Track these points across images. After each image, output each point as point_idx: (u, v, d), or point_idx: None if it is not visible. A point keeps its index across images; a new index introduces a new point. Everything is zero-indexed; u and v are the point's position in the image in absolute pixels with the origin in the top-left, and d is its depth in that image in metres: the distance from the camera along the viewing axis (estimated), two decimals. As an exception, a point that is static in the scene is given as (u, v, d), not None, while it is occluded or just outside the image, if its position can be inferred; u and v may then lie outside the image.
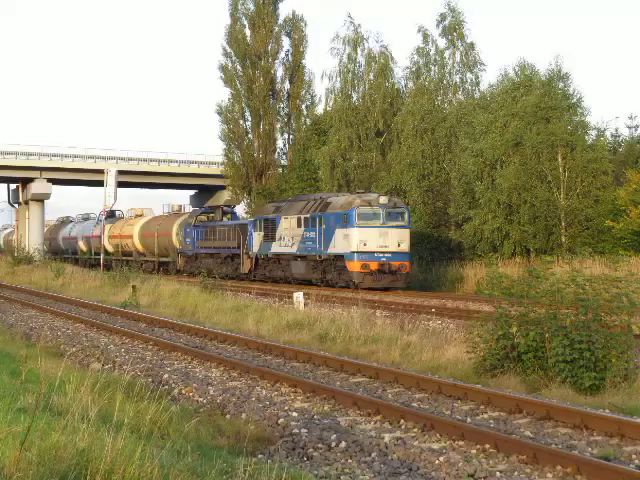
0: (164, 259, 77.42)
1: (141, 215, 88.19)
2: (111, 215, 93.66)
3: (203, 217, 71.77)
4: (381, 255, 47.89)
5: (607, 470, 11.98)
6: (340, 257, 49.35)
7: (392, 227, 49.25)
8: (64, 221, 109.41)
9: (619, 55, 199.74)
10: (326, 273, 50.81)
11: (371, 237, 48.09)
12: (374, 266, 47.28)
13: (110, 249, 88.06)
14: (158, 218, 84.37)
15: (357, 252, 47.76)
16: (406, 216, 50.94)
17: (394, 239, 48.87)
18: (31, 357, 19.65)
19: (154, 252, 79.28)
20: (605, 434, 14.37)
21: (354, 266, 47.52)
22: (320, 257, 51.10)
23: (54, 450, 8.01)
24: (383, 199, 50.50)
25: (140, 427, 9.94)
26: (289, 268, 55.13)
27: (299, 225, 54.02)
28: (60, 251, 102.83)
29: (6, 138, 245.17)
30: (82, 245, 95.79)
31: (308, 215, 53.29)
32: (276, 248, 56.64)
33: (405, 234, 49.89)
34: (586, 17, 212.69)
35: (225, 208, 73.84)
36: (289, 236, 54.96)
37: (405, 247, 49.45)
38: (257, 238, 59.52)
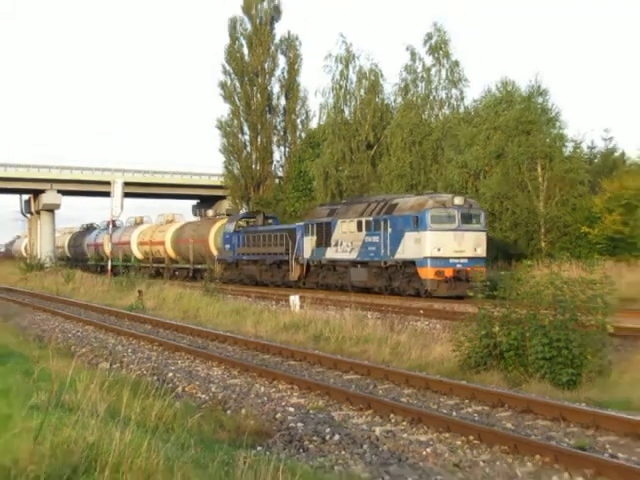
0: (199, 266, 71.54)
1: (172, 221, 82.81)
2: (114, 224, 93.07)
3: (242, 222, 65.99)
4: (456, 261, 42.51)
5: (583, 459, 12.03)
6: (410, 263, 43.87)
7: (468, 230, 43.67)
8: (89, 228, 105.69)
9: (596, 71, 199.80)
10: (392, 280, 45.95)
11: (446, 241, 42.63)
12: (449, 273, 41.91)
13: (139, 256, 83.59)
14: (192, 224, 79.83)
15: (431, 257, 42.34)
16: (482, 218, 45.45)
17: (470, 243, 43.44)
18: (43, 357, 19.62)
19: (189, 259, 73.61)
20: (581, 426, 14.42)
21: (427, 273, 42.23)
22: (385, 263, 45.62)
23: (65, 444, 8.02)
24: (458, 200, 44.63)
25: (146, 422, 9.95)
26: (347, 275, 49.77)
27: (359, 229, 48.38)
28: (84, 258, 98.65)
29: (17, 151, 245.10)
30: (108, 251, 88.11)
31: (370, 218, 47.55)
32: (331, 254, 51.27)
33: (482, 238, 44.39)
34: (566, 34, 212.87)
35: (267, 214, 68.38)
36: (347, 241, 49.38)
37: (482, 252, 43.96)
38: (309, 243, 53.85)
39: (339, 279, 50.43)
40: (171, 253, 77.06)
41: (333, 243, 50.80)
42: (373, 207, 48.07)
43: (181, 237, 75.45)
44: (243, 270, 63.55)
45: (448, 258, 42.31)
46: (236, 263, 64.24)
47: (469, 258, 42.64)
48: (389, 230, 45.35)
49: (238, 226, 64.66)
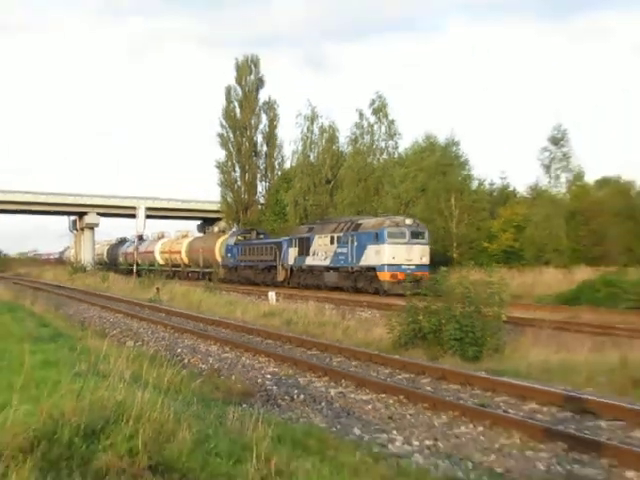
0: (207, 270, 71.38)
1: (186, 236, 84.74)
2: (140, 238, 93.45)
3: (240, 237, 66.63)
4: (407, 267, 42.60)
5: (483, 414, 12.11)
6: (371, 269, 43.96)
7: (416, 244, 43.71)
8: (122, 241, 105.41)
9: (496, 128, 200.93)
10: (357, 282, 46.22)
11: (399, 252, 42.89)
12: (401, 276, 41.95)
13: (161, 262, 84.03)
14: (201, 238, 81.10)
15: (387, 264, 42.65)
16: (426, 235, 45.09)
17: (417, 254, 43.40)
18: (84, 337, 19.54)
19: (199, 264, 74.20)
20: (482, 389, 14.47)
21: (385, 276, 42.49)
22: (352, 268, 45.84)
23: (100, 402, 8.00)
24: (408, 221, 45.14)
25: (160, 385, 9.90)
26: (322, 277, 49.91)
27: (332, 242, 48.50)
28: (118, 263, 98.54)
29: (61, 181, 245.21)
30: (137, 258, 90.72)
31: (341, 234, 47.72)
32: (310, 261, 51.35)
33: (426, 250, 44.23)
34: (474, 99, 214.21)
35: (259, 230, 69.12)
36: (322, 251, 49.62)
37: (426, 260, 43.76)
38: (292, 253, 53.97)
39: (316, 280, 50.53)
40: (185, 260, 77.80)
41: (311, 253, 50.96)
42: (342, 226, 48.28)
43: (193, 248, 76.33)
44: (241, 273, 63.31)
45: (400, 265, 42.54)
46: (235, 268, 64.47)
47: (416, 265, 42.81)
48: (355, 243, 45.53)
49: (237, 240, 65.30)
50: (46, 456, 6.79)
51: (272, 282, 56.61)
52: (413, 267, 42.58)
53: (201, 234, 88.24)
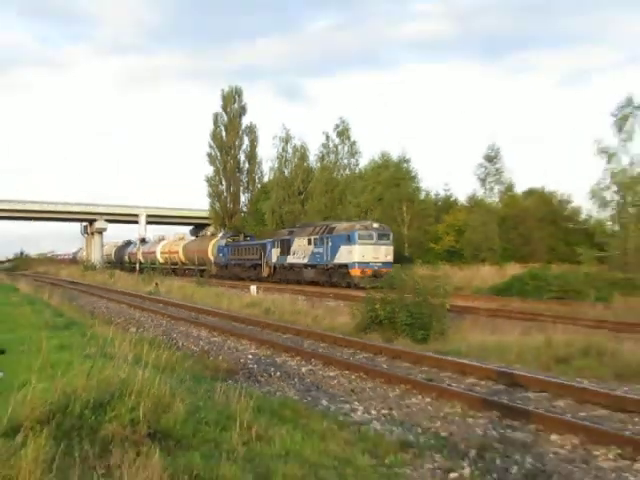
0: (202, 267, 70.62)
1: (182, 238, 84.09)
2: (142, 241, 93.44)
3: (230, 239, 65.69)
4: (374, 264, 41.82)
5: (430, 387, 12.10)
6: (344, 266, 43.18)
7: (382, 245, 42.88)
8: (127, 243, 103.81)
9: (441, 145, 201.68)
10: (332, 277, 45.46)
11: (367, 251, 42.21)
12: (369, 272, 41.15)
13: (161, 261, 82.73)
14: (196, 240, 79.92)
15: (358, 262, 41.93)
16: (390, 236, 44.36)
17: (382, 253, 42.67)
18: (93, 325, 19.38)
19: (194, 262, 72.98)
20: (430, 366, 14.47)
21: (356, 272, 41.83)
22: (327, 266, 44.94)
23: (107, 379, 7.94)
24: (375, 225, 44.27)
25: (158, 365, 9.81)
26: (301, 273, 49.08)
27: (309, 243, 47.75)
28: (124, 262, 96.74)
29: (73, 190, 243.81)
30: (141, 258, 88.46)
31: (317, 236, 46.93)
32: (290, 260, 50.48)
33: (390, 249, 43.49)
34: (421, 121, 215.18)
35: (246, 233, 68.85)
36: (301, 251, 48.87)
37: (390, 259, 43.04)
38: (275, 253, 53.18)
39: (296, 276, 49.87)
40: (182, 259, 76.71)
41: (292, 253, 50.32)
42: (318, 229, 47.71)
43: (189, 248, 75.52)
44: (231, 270, 62.45)
45: (369, 262, 41.95)
46: (226, 265, 63.81)
47: (382, 262, 42.11)
48: (330, 244, 44.93)
49: (228, 241, 64.80)
50: (60, 427, 6.77)
51: (257, 278, 55.65)
52: (380, 264, 41.92)
53: (194, 237, 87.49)
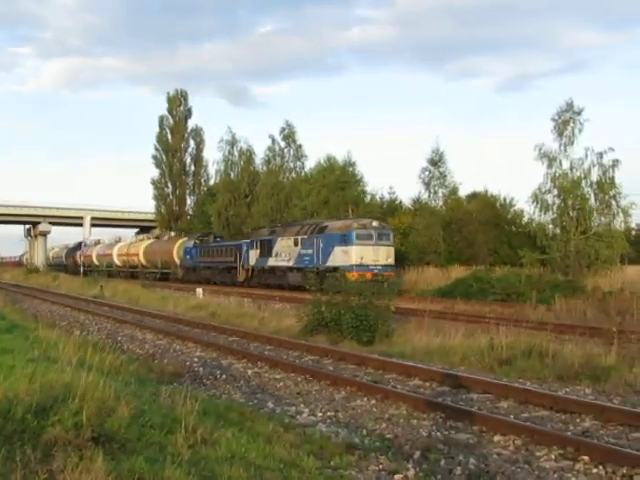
0: (166, 270, 65.93)
1: (143, 240, 79.06)
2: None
3: (198, 241, 60.57)
4: (374, 267, 37.63)
5: (375, 389, 12.17)
6: (338, 269, 36.41)
7: (382, 245, 38.87)
8: (79, 245, 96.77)
9: (386, 152, 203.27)
10: (322, 282, 38.44)
11: (366, 253, 37.89)
12: (369, 276, 36.06)
13: (118, 263, 78.09)
14: (158, 242, 73.86)
15: (356, 265, 37.42)
16: (391, 236, 40.53)
17: (383, 254, 38.50)
18: (37, 328, 19.12)
19: (157, 266, 67.76)
20: (375, 368, 14.53)
21: (352, 276, 34.97)
22: (317, 269, 39.28)
23: (50, 383, 7.85)
24: (375, 223, 40.27)
25: (103, 368, 9.72)
26: (285, 277, 44.68)
27: (295, 244, 43.44)
28: (77, 264, 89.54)
29: (16, 192, 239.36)
30: (95, 260, 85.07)
31: (305, 236, 42.63)
32: (272, 262, 46.08)
33: (391, 251, 39.47)
34: (366, 127, 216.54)
35: (216, 234, 64.08)
36: (285, 252, 44.47)
37: (391, 261, 39.09)
38: (253, 254, 48.69)
39: (278, 280, 46.16)
40: (143, 261, 72.54)
41: (274, 254, 46.08)
42: (306, 229, 43.47)
43: (151, 250, 71.54)
44: (200, 273, 58.19)
45: (368, 265, 37.79)
46: (194, 268, 59.77)
47: (383, 265, 38.26)
48: (321, 245, 40.76)
49: (196, 243, 60.62)
50: (1, 431, 6.67)
51: (232, 282, 51.86)
52: (380, 267, 38.04)
53: (153, 239, 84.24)
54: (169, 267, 65.50)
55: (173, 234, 72.48)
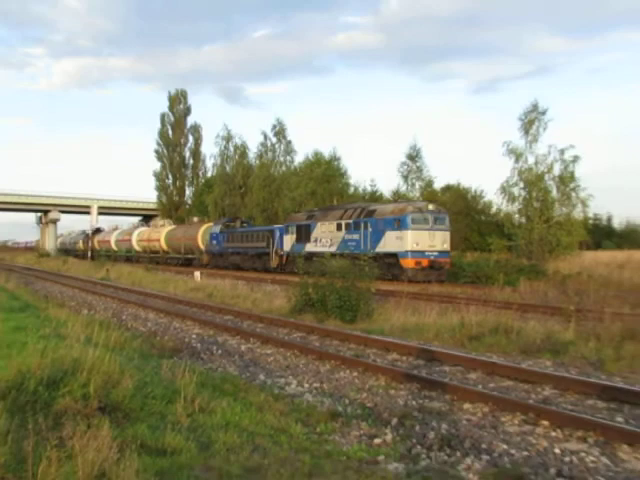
0: (190, 256, 60.01)
1: (163, 225, 72.25)
2: (97, 230, 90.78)
3: (223, 227, 54.19)
4: (430, 254, 33.19)
5: (357, 362, 12.17)
6: (392, 255, 33.95)
7: (438, 230, 33.94)
8: (97, 230, 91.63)
9: (368, 148, 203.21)
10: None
11: (422, 238, 33.28)
12: (425, 263, 33.02)
13: (138, 249, 72.62)
14: (181, 227, 66.89)
15: (411, 251, 32.99)
16: (447, 220, 35.15)
17: (440, 240, 33.78)
18: (47, 308, 19.07)
19: (180, 251, 61.98)
20: (357, 344, 14.55)
21: (408, 263, 32.99)
22: (365, 255, 28.77)
23: (60, 358, 7.85)
24: (431, 206, 35.15)
25: (108, 344, 9.73)
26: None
27: (339, 229, 38.26)
28: (94, 249, 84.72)
29: (29, 182, 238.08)
30: (114, 246, 79.93)
31: (350, 220, 37.46)
32: (311, 248, 40.39)
33: (447, 236, 34.55)
34: (352, 125, 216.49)
35: (243, 219, 57.85)
36: (327, 238, 39.30)
37: (447, 247, 34.40)
38: (288, 240, 43.38)
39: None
40: (165, 247, 66.70)
41: (312, 240, 40.87)
42: (350, 212, 38.25)
43: (173, 236, 65.40)
44: (228, 259, 52.31)
45: (424, 251, 33.31)
46: (221, 254, 53.42)
47: (439, 251, 33.68)
48: (370, 229, 35.69)
49: (222, 229, 54.37)
50: (15, 402, 6.72)
51: (264, 268, 46.92)
52: (436, 253, 33.76)
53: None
54: (193, 253, 60.35)
55: (196, 219, 67.74)
